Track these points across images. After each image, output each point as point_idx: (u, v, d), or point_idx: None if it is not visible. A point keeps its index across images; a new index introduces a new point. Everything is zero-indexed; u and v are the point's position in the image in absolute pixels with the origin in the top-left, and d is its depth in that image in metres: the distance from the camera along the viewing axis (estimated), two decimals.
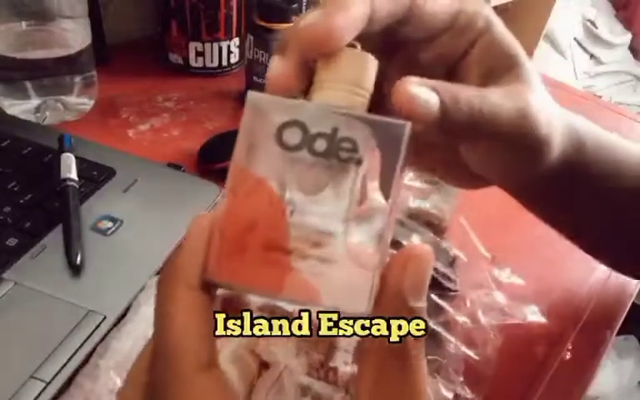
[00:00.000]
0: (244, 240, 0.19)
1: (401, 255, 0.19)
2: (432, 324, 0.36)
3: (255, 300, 0.23)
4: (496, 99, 0.27)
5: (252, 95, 0.20)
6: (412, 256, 0.19)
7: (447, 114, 0.25)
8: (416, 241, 0.42)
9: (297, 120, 0.20)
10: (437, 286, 0.40)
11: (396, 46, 0.29)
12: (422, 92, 0.24)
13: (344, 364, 0.28)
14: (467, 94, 0.26)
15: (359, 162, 0.19)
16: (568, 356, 0.44)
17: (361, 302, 0.18)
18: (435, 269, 0.40)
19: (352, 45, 0.23)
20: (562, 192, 0.36)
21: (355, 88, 0.22)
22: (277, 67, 0.24)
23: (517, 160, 0.31)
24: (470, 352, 0.36)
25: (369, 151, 0.19)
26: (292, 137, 0.20)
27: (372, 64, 0.23)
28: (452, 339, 0.36)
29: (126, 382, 0.21)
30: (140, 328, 0.34)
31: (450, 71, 0.30)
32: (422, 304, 0.19)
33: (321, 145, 0.20)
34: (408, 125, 0.19)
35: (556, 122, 0.31)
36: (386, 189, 0.19)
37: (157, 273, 0.38)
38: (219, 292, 0.21)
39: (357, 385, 0.19)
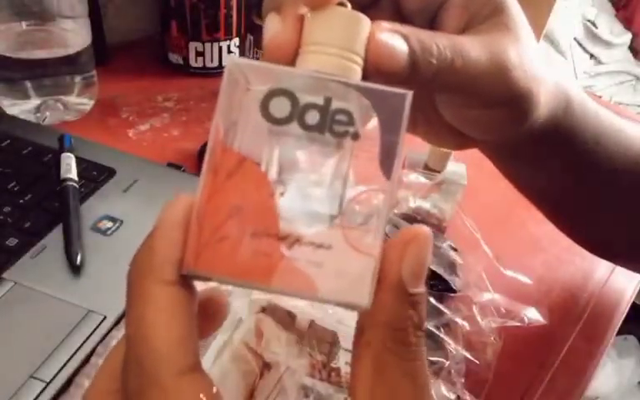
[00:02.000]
0: (227, 226, 0.17)
1: (397, 240, 0.17)
2: (431, 326, 0.36)
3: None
4: (470, 49, 0.25)
5: (231, 60, 0.18)
6: (410, 240, 0.17)
7: (416, 65, 0.23)
8: None
9: (285, 89, 0.17)
10: (437, 287, 0.40)
11: None
12: (390, 38, 0.21)
13: (346, 364, 0.28)
14: (440, 43, 0.24)
15: (355, 137, 0.17)
16: (568, 356, 0.44)
17: (362, 293, 0.17)
18: (434, 271, 0.40)
19: (341, 4, 0.21)
20: (546, 155, 0.34)
21: (348, 53, 0.20)
22: (277, 27, 0.21)
23: (496, 115, 0.28)
24: (470, 356, 0.36)
25: (366, 124, 0.17)
26: (280, 108, 0.17)
27: (365, 24, 0.21)
28: (453, 342, 0.36)
29: (91, 390, 0.19)
30: None
31: (434, 17, 0.28)
32: (421, 290, 0.17)
33: (312, 117, 0.17)
34: (409, 94, 0.17)
35: (543, 78, 0.29)
36: (386, 166, 0.17)
37: None
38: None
39: (353, 379, 0.18)
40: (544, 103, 0.29)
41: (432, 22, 0.28)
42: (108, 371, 0.19)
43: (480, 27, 0.26)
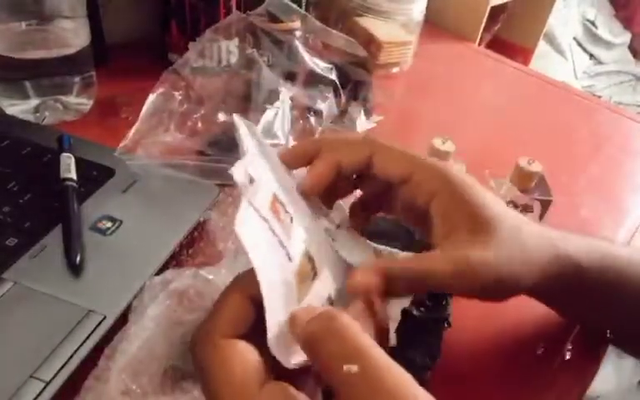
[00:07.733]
0: None
1: None
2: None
3: None
4: (437, 266, 0.31)
5: None
6: None
7: (389, 288, 0.30)
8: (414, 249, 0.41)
9: None
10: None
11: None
12: (365, 278, 0.29)
13: None
14: (408, 271, 0.31)
15: None
16: (568, 356, 0.44)
17: None
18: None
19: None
20: (566, 302, 0.41)
21: None
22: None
23: (476, 297, 0.32)
24: None
25: None
26: None
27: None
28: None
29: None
30: (147, 329, 0.33)
31: (423, 213, 0.34)
32: None
33: None
34: None
35: (524, 264, 0.33)
36: None
37: (157, 273, 0.38)
38: None
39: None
40: (530, 279, 0.33)
41: (423, 217, 0.34)
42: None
43: (458, 237, 0.32)
